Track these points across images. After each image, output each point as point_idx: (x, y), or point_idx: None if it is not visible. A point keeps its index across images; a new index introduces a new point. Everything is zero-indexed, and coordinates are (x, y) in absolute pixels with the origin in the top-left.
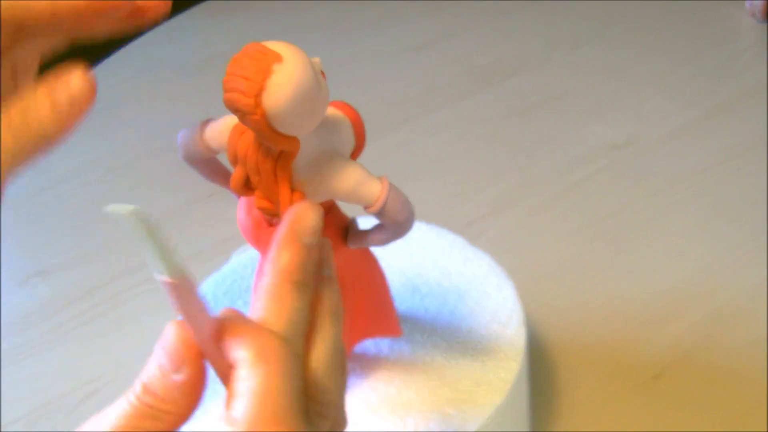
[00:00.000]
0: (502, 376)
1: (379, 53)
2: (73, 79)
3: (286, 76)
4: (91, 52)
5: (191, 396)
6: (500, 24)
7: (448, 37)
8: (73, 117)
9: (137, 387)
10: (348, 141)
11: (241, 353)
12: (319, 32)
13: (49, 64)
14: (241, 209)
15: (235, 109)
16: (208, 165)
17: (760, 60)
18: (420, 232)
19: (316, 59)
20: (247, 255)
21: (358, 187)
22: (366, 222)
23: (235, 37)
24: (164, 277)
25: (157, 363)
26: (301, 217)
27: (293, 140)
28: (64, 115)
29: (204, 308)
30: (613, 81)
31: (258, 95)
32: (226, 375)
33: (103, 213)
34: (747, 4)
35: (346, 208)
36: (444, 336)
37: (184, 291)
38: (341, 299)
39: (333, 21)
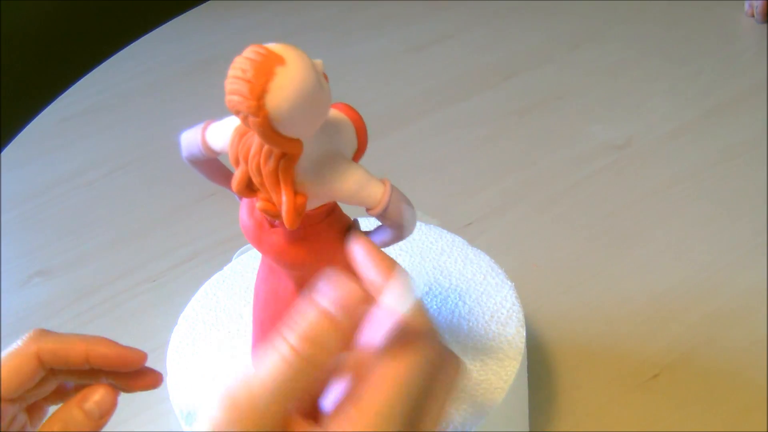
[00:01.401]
0: (501, 376)
1: (379, 53)
2: (98, 392)
3: (289, 79)
4: (91, 52)
5: (351, 338)
6: (500, 24)
7: (449, 37)
8: (101, 420)
9: (298, 342)
10: (350, 143)
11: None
12: (319, 33)
13: (50, 63)
14: (243, 210)
15: (237, 112)
16: (210, 166)
17: (760, 60)
18: (420, 232)
19: (319, 61)
20: (248, 255)
21: (360, 189)
22: (367, 223)
23: (237, 38)
24: None
25: (322, 314)
26: None
27: (296, 142)
28: (95, 419)
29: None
30: (613, 81)
31: (260, 98)
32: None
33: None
34: (746, 4)
35: (348, 209)
36: (443, 335)
37: None
38: None
39: (334, 21)
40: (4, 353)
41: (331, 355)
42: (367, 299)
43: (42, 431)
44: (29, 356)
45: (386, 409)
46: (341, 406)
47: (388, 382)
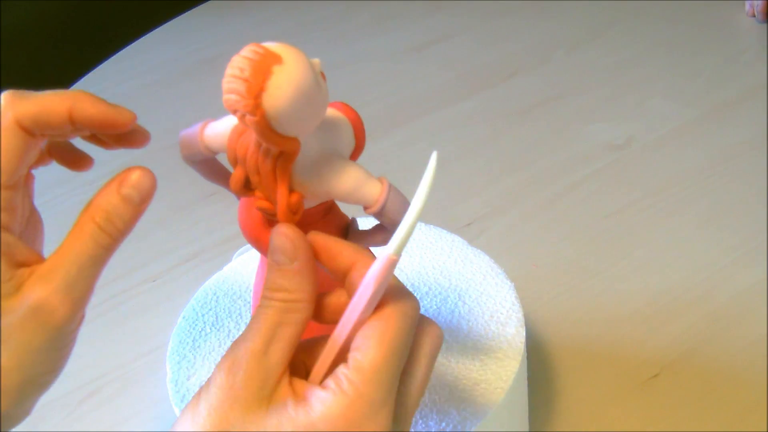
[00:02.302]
0: (501, 376)
1: (379, 53)
2: (133, 174)
3: (286, 78)
4: (91, 52)
5: (311, 278)
6: (500, 24)
7: (448, 37)
8: (142, 204)
9: (266, 293)
10: (348, 142)
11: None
12: (318, 32)
13: (49, 63)
14: (241, 209)
15: (234, 111)
16: (208, 165)
17: (760, 60)
18: (420, 232)
19: (316, 60)
20: (247, 255)
21: (357, 187)
22: (366, 222)
23: (236, 38)
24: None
25: (273, 266)
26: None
27: (293, 141)
28: (135, 204)
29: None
30: (613, 81)
31: (258, 97)
32: None
33: None
34: (747, 4)
35: (346, 208)
36: (443, 335)
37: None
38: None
39: (333, 21)
40: None
41: (301, 293)
42: (306, 246)
43: (85, 223)
44: (11, 129)
45: (383, 367)
46: (335, 366)
47: (382, 341)
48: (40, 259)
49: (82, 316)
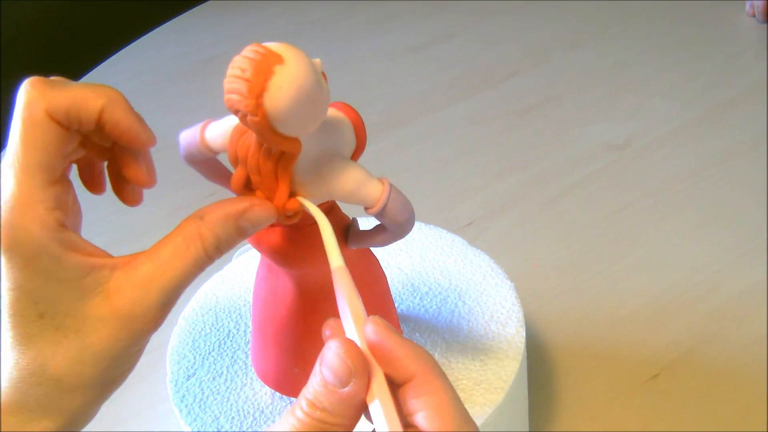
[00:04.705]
0: (501, 376)
1: (379, 53)
2: (257, 209)
3: (288, 78)
4: (92, 51)
5: (358, 405)
6: (500, 24)
7: (448, 37)
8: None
9: (303, 404)
10: (349, 142)
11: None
12: (319, 32)
13: (49, 63)
14: None
15: (235, 111)
16: (209, 165)
17: (760, 60)
18: (420, 232)
19: (317, 60)
20: (247, 255)
21: (358, 188)
22: (367, 222)
23: (236, 38)
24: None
25: (321, 381)
26: None
27: (294, 141)
28: (246, 236)
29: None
30: (613, 81)
31: (259, 96)
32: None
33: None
34: (747, 4)
35: (347, 209)
36: (443, 335)
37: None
38: None
39: (334, 21)
40: (14, 123)
41: (342, 419)
42: (363, 372)
43: (192, 241)
44: (44, 122)
45: None
46: None
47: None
48: (105, 254)
49: None
